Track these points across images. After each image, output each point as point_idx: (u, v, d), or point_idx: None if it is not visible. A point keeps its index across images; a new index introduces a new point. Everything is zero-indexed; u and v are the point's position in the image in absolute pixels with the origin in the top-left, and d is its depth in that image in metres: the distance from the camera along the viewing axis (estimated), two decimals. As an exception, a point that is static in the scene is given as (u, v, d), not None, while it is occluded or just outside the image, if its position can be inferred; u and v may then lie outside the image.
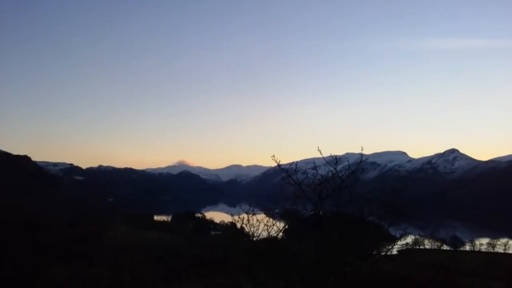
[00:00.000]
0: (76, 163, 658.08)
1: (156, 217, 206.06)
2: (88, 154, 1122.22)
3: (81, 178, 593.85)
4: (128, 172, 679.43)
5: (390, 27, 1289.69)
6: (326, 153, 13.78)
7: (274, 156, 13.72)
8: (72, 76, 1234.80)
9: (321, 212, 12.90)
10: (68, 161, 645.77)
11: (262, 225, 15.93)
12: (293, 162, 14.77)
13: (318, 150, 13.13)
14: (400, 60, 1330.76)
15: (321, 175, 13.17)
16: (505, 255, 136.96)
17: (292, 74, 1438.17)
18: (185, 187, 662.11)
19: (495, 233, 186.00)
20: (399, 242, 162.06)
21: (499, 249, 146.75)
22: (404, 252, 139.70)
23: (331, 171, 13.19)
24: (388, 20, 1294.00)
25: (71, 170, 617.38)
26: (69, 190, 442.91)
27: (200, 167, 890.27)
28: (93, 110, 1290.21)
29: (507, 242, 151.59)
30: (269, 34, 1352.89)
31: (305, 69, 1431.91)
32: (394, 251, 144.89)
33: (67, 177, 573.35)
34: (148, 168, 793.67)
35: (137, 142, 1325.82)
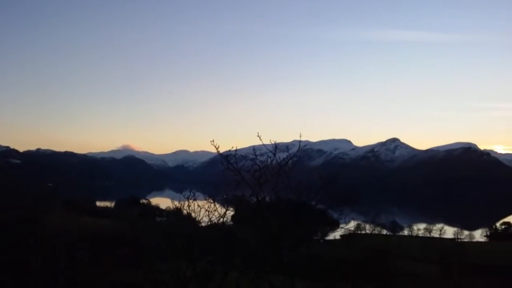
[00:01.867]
0: (12, 145, 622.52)
1: (98, 203, 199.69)
2: (25, 136, 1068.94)
3: (18, 161, 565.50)
4: (69, 156, 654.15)
5: (338, 17, 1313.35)
6: (274, 140, 13.25)
7: (213, 141, 13.09)
8: (7, 55, 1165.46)
9: (259, 198, 12.30)
10: (3, 143, 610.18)
11: (207, 211, 15.23)
12: (239, 149, 14.15)
13: (258, 136, 12.59)
14: (347, 50, 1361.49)
15: (260, 161, 12.55)
16: (440, 239, 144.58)
17: (245, 61, 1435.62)
18: (130, 172, 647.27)
19: (431, 219, 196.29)
20: (342, 227, 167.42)
21: (435, 234, 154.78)
22: (347, 237, 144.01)
23: (269, 157, 12.65)
24: (338, 10, 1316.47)
25: (7, 153, 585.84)
26: (5, 174, 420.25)
27: (146, 152, 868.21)
28: (31, 90, 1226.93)
29: (443, 227, 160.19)
30: (227, 20, 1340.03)
31: (258, 57, 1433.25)
32: (338, 236, 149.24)
33: (2, 160, 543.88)
34: (90, 152, 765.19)
35: (79, 124, 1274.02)
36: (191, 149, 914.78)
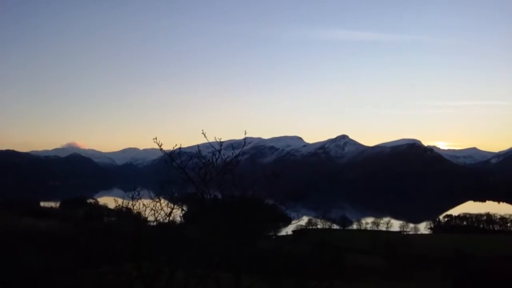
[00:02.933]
0: None
1: (42, 204, 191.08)
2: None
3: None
4: (10, 155, 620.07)
5: (289, 16, 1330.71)
6: (226, 137, 13.13)
7: (156, 138, 12.54)
8: None
9: (205, 196, 11.96)
10: None
11: (153, 210, 14.63)
12: (191, 146, 13.76)
13: (203, 133, 12.16)
14: (299, 49, 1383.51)
15: (204, 158, 12.18)
16: (387, 232, 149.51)
17: (196, 60, 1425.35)
18: (76, 172, 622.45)
19: (379, 213, 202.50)
20: (294, 223, 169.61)
21: (382, 227, 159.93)
22: (299, 232, 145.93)
23: (214, 154, 12.28)
24: (289, 10, 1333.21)
25: None
26: None
27: (92, 150, 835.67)
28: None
29: (389, 220, 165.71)
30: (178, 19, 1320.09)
31: (209, 56, 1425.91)
32: (290, 231, 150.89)
33: None
34: (33, 151, 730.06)
35: (21, 122, 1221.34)
36: (141, 147, 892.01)
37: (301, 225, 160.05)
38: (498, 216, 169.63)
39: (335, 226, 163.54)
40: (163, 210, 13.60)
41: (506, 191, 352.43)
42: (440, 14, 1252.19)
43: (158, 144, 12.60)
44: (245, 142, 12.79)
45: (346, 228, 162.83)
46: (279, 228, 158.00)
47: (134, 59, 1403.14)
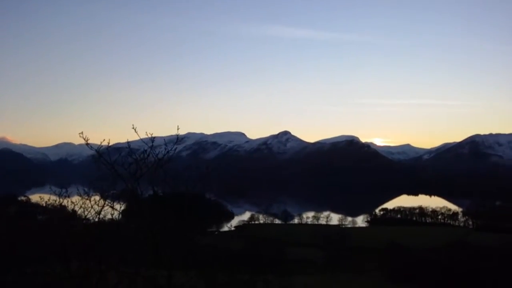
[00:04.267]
0: None
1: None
2: None
3: None
4: None
5: (233, 11, 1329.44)
6: (168, 133, 12.56)
7: (82, 133, 11.66)
8: None
9: (137, 192, 11.33)
10: None
11: (88, 208, 13.71)
12: (130, 141, 12.98)
13: (133, 128, 11.47)
14: (242, 45, 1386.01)
15: (135, 154, 11.57)
16: (326, 226, 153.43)
17: (138, 53, 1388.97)
18: (5, 167, 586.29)
19: (319, 207, 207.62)
20: (237, 218, 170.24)
21: (322, 221, 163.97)
22: (241, 227, 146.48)
23: (145, 150, 11.67)
24: (234, 6, 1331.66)
25: None
26: None
27: (24, 145, 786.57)
28: None
29: (329, 214, 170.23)
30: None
31: (153, 50, 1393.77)
32: (232, 227, 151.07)
33: None
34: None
35: None
36: (76, 142, 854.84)
37: (243, 220, 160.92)
38: (430, 209, 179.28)
39: (277, 221, 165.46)
40: (93, 208, 12.81)
41: (437, 185, 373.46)
42: (380, 15, 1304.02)
43: (84, 139, 11.72)
44: (177, 138, 12.20)
45: (288, 222, 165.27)
46: (221, 223, 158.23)
47: (71, 52, 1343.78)
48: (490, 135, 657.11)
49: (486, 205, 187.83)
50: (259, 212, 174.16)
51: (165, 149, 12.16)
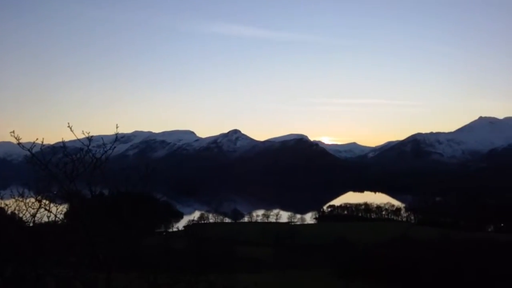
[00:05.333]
0: None
1: None
2: None
3: None
4: None
5: (185, 8, 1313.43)
6: (114, 131, 11.90)
7: (14, 132, 10.91)
8: None
9: (72, 194, 10.75)
10: None
11: (22, 210, 12.82)
12: (72, 140, 12.29)
13: (69, 127, 10.85)
14: (190, 42, 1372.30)
15: (70, 154, 10.98)
16: (276, 224, 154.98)
17: (86, 49, 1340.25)
18: None
19: (269, 205, 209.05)
20: (187, 218, 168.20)
21: (272, 219, 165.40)
22: (190, 227, 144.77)
23: (81, 149, 11.10)
24: (190, 3, 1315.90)
25: None
26: None
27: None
28: None
29: (279, 212, 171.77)
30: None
31: (99, 46, 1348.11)
32: (181, 227, 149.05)
33: None
34: None
35: None
36: (15, 140, 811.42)
37: (193, 220, 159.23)
38: (375, 205, 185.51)
39: (226, 220, 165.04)
40: (28, 211, 12.05)
41: (381, 182, 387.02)
42: (329, 15, 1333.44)
43: (16, 138, 10.96)
44: (116, 137, 11.67)
45: (238, 221, 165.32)
46: (170, 223, 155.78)
47: (7, 49, 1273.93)
48: (431, 133, 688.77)
49: (427, 200, 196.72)
50: (209, 211, 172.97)
51: (104, 148, 11.62)
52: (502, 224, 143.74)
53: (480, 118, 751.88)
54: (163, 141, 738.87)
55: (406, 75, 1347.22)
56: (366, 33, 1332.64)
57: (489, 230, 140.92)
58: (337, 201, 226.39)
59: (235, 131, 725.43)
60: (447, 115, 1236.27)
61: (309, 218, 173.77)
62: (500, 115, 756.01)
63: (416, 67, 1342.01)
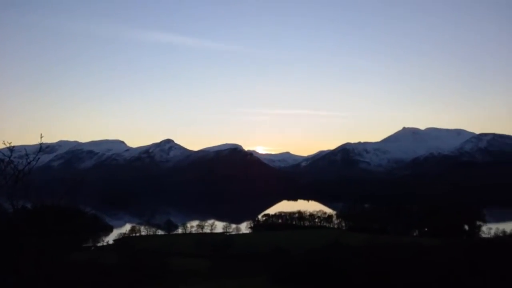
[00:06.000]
0: None
1: None
2: None
3: None
4: None
5: (123, 16, 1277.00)
6: (37, 141, 10.82)
7: None
8: None
9: None
10: None
11: None
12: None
13: None
14: (121, 49, 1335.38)
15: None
16: (211, 234, 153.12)
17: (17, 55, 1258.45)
18: None
19: (204, 215, 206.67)
20: (117, 231, 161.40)
21: (207, 229, 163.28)
22: (121, 241, 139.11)
23: (2, 160, 10.02)
24: (116, 8, 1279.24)
25: None
26: None
27: None
28: None
29: (213, 222, 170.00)
30: None
31: (20, 48, 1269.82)
32: (111, 241, 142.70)
33: None
34: None
35: None
36: None
37: (123, 233, 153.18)
38: (308, 213, 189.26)
39: (160, 232, 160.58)
40: None
41: (314, 191, 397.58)
42: (263, 27, 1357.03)
43: None
44: (41, 147, 10.63)
45: (172, 233, 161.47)
46: (98, 237, 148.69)
47: None
48: (359, 143, 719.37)
49: (356, 207, 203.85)
50: (141, 224, 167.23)
51: (27, 159, 10.58)
52: (426, 229, 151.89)
53: (404, 128, 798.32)
54: (90, 151, 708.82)
55: (336, 86, 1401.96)
56: (297, 47, 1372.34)
57: (414, 234, 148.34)
58: (272, 210, 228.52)
59: (168, 141, 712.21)
60: (374, 125, 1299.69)
61: (244, 227, 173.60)
62: (422, 126, 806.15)
63: (345, 79, 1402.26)
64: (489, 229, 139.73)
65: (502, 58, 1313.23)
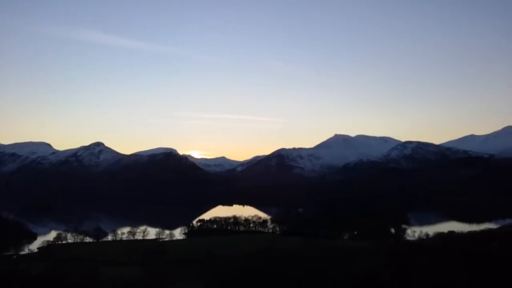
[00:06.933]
0: None
1: None
2: None
3: None
4: None
5: (49, 15, 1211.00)
6: None
7: None
8: None
9: None
10: None
11: None
12: None
13: None
14: (49, 48, 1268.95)
15: None
16: (143, 241, 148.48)
17: None
18: None
19: (136, 222, 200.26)
20: (41, 239, 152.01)
21: (139, 236, 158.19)
22: (46, 249, 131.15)
23: None
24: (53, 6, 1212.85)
25: None
26: None
27: None
28: None
29: (146, 229, 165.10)
30: None
31: None
32: (35, 249, 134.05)
33: None
34: None
35: None
36: None
37: (48, 241, 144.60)
38: (243, 218, 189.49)
39: (88, 239, 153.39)
40: None
41: (249, 196, 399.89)
42: (200, 31, 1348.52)
43: None
44: None
45: (101, 240, 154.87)
46: (21, 246, 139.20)
47: None
48: (294, 149, 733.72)
49: (290, 212, 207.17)
50: (67, 231, 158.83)
51: None
52: (355, 232, 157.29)
53: (336, 135, 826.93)
54: (13, 154, 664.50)
55: (271, 93, 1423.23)
56: (235, 50, 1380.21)
57: (345, 237, 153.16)
58: (207, 215, 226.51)
59: (98, 144, 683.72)
60: (308, 131, 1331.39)
61: (178, 233, 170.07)
62: (353, 133, 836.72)
63: (281, 85, 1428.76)
64: (413, 232, 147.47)
65: (424, 71, 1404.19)
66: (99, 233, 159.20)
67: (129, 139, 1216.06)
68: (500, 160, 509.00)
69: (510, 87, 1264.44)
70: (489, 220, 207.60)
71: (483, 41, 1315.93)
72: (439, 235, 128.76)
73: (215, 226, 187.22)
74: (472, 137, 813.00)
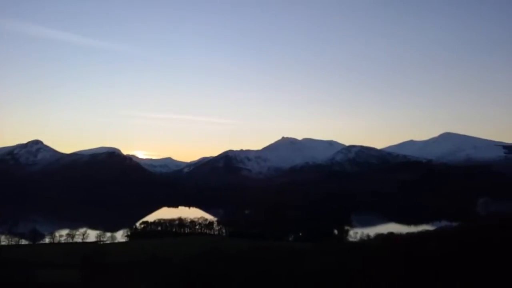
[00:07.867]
0: None
1: None
2: None
3: None
4: None
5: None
6: None
7: None
8: None
9: None
10: None
11: None
12: None
13: None
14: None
15: None
16: (82, 244, 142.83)
17: None
18: None
19: (75, 224, 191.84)
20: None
21: (78, 238, 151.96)
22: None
23: None
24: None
25: None
26: None
27: None
28: None
29: (86, 231, 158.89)
30: None
31: None
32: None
33: None
34: None
35: None
36: None
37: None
38: (189, 220, 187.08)
39: (23, 241, 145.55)
40: None
41: (196, 197, 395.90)
42: (150, 29, 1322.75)
43: None
44: None
45: (37, 242, 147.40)
46: None
47: None
48: (241, 151, 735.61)
49: (237, 214, 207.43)
50: (1, 233, 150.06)
51: None
52: (300, 234, 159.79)
53: (283, 138, 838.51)
54: None
55: (219, 94, 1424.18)
56: (183, 49, 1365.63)
57: (290, 239, 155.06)
58: (151, 217, 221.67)
59: (36, 142, 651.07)
60: (256, 133, 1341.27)
61: (120, 236, 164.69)
62: (299, 136, 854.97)
63: (229, 86, 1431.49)
64: (355, 233, 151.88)
65: (368, 78, 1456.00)
66: (35, 235, 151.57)
67: (69, 138, 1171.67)
68: (437, 165, 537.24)
69: (448, 95, 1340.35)
70: (426, 222, 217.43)
71: (422, 49, 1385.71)
72: (380, 236, 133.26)
73: (159, 228, 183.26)
74: (411, 143, 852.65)
